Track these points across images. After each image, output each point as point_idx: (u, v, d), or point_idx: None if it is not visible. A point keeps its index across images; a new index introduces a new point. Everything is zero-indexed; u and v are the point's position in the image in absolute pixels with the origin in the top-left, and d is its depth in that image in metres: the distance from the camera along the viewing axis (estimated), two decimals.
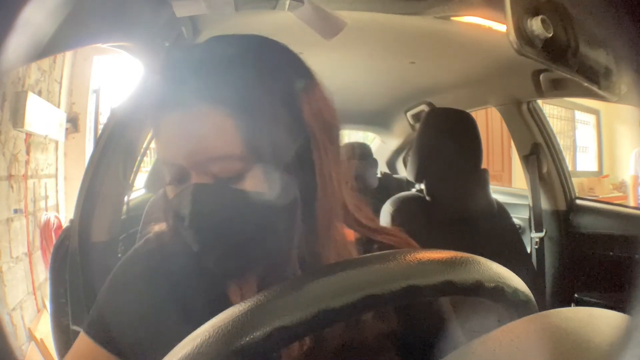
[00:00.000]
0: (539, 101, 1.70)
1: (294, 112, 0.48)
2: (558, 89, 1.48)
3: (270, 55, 0.50)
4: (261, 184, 0.46)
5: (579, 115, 5.89)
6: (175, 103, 0.46)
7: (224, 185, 0.46)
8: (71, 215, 1.20)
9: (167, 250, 0.55)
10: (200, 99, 0.45)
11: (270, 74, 0.48)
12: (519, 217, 1.85)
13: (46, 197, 2.61)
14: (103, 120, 3.06)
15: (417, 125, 1.56)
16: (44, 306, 2.36)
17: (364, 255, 0.34)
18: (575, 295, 1.53)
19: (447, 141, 1.36)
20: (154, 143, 0.51)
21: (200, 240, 0.46)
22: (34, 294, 2.36)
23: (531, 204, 1.69)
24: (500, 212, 1.44)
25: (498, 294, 0.33)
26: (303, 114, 0.49)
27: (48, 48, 0.67)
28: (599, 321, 0.30)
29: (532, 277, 1.49)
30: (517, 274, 0.36)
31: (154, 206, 0.98)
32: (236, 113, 0.45)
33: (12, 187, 2.21)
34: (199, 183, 0.46)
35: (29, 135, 2.34)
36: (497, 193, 1.66)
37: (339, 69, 1.75)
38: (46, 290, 2.24)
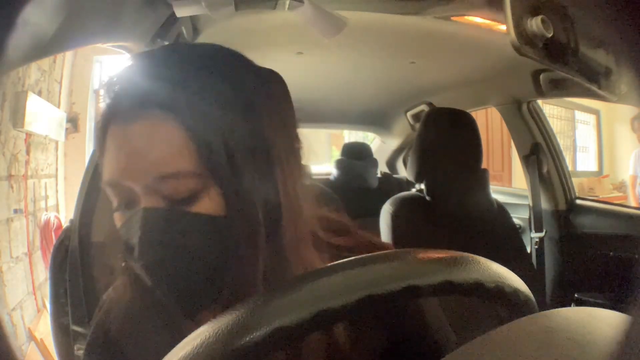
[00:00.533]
0: (539, 101, 1.70)
1: (254, 123, 0.42)
2: (558, 89, 1.48)
3: (227, 63, 0.45)
4: (218, 206, 0.41)
5: (579, 115, 5.89)
6: (119, 113, 0.40)
7: (177, 208, 0.40)
8: (71, 215, 1.20)
9: (127, 303, 0.47)
10: (148, 107, 0.39)
11: (227, 82, 0.42)
12: (519, 217, 1.85)
13: (46, 197, 2.61)
14: None
15: (417, 125, 1.56)
16: (44, 306, 2.36)
17: (364, 255, 0.34)
18: (575, 295, 1.53)
19: (447, 141, 1.36)
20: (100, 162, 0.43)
21: (152, 272, 0.40)
22: (34, 294, 2.36)
23: (531, 204, 1.69)
24: (500, 212, 1.44)
25: (498, 294, 0.33)
26: (263, 126, 0.43)
27: (48, 48, 0.67)
28: (599, 321, 0.30)
29: (532, 277, 1.48)
30: (517, 274, 0.36)
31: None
32: (188, 124, 0.39)
33: (12, 187, 2.21)
34: (149, 207, 0.40)
35: (29, 135, 2.34)
36: (497, 193, 1.66)
37: (339, 69, 1.74)
38: (46, 290, 2.24)
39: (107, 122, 0.41)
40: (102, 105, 0.43)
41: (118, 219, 0.43)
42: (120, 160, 0.40)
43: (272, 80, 0.48)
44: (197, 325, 0.37)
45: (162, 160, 0.39)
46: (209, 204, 0.40)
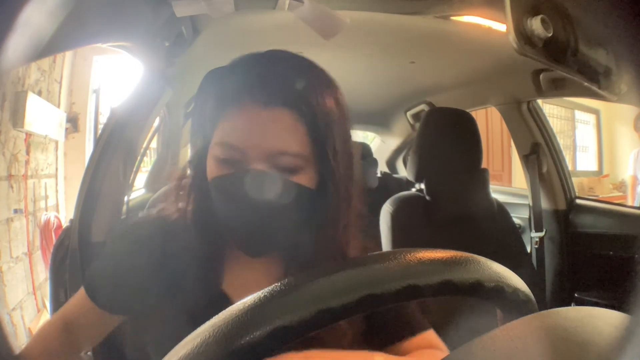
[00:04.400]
0: (539, 101, 1.70)
1: (342, 122, 0.56)
2: (558, 88, 1.48)
3: (317, 71, 0.58)
4: (311, 182, 0.54)
5: (579, 114, 5.89)
6: (257, 97, 0.52)
7: (284, 176, 0.53)
8: (71, 215, 1.20)
9: (168, 226, 0.59)
10: (281, 101, 0.52)
11: (326, 89, 0.56)
12: (519, 217, 1.85)
13: (46, 197, 2.61)
14: (103, 120, 3.06)
15: (417, 125, 1.56)
16: (44, 306, 2.36)
17: (364, 255, 0.34)
18: (575, 295, 1.53)
19: (447, 141, 1.36)
20: (219, 125, 0.55)
21: (247, 216, 0.53)
22: (34, 294, 2.36)
23: (531, 204, 1.68)
24: (500, 212, 1.44)
25: (498, 293, 0.33)
26: (346, 125, 0.57)
27: (48, 48, 0.67)
28: (599, 321, 0.30)
29: (532, 277, 1.49)
30: (517, 274, 0.36)
31: (162, 195, 1.01)
32: (306, 118, 0.52)
33: (12, 187, 2.21)
34: (261, 170, 0.52)
35: (29, 135, 2.34)
36: (497, 193, 1.66)
37: (339, 68, 1.74)
38: (46, 290, 2.24)
39: (243, 99, 0.53)
40: (233, 80, 0.55)
41: (217, 170, 0.54)
42: (247, 132, 0.52)
43: (338, 86, 0.60)
44: (260, 262, 0.57)
45: (281, 140, 0.52)
46: (305, 178, 0.54)
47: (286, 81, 0.53)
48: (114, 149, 1.15)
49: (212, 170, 0.54)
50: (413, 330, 0.62)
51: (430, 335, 0.64)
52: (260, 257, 0.57)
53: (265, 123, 0.52)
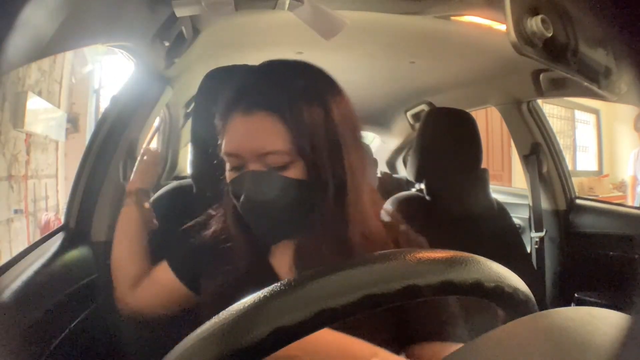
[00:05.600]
0: (539, 101, 1.70)
1: (327, 120, 0.62)
2: (558, 88, 1.48)
3: (310, 76, 0.65)
4: (302, 174, 0.61)
5: (578, 114, 5.88)
6: (241, 108, 0.61)
7: (273, 172, 0.60)
8: None
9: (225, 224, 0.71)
10: (260, 107, 0.60)
11: (311, 90, 0.63)
12: (519, 217, 1.85)
13: (46, 198, 2.61)
14: None
15: (417, 125, 1.56)
16: None
17: (364, 255, 0.34)
18: (575, 295, 1.53)
19: (447, 141, 1.36)
20: (222, 139, 0.64)
21: (252, 211, 0.62)
22: None
23: (531, 204, 1.68)
24: (500, 212, 1.44)
25: (498, 293, 0.33)
26: (334, 121, 0.62)
27: (48, 48, 0.67)
28: (599, 321, 0.30)
29: (532, 277, 1.48)
30: (517, 274, 0.36)
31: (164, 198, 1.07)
32: (286, 120, 0.59)
33: (12, 187, 2.21)
34: (255, 170, 0.61)
35: (29, 135, 2.34)
36: (497, 193, 1.66)
37: (339, 68, 1.74)
38: None
39: (230, 110, 0.62)
40: (227, 95, 0.63)
41: (230, 176, 0.64)
42: (240, 140, 0.61)
43: (337, 86, 0.67)
44: (276, 248, 0.70)
45: (267, 142, 0.60)
46: (295, 172, 0.61)
47: (267, 88, 0.62)
48: (113, 148, 1.15)
49: (227, 177, 0.64)
50: (442, 335, 0.61)
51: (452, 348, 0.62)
52: (275, 244, 0.68)
53: (250, 128, 0.60)
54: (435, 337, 0.61)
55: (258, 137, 0.60)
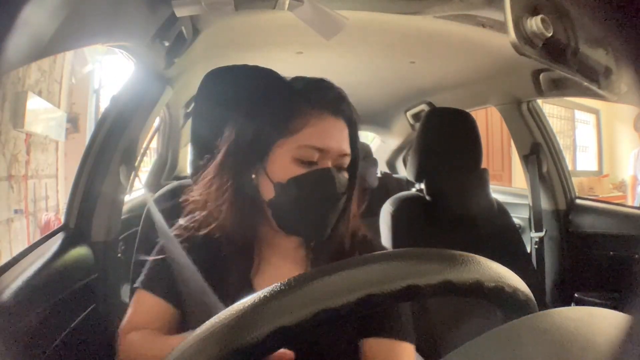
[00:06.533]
0: (539, 101, 1.70)
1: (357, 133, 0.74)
2: (558, 88, 1.48)
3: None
4: (346, 175, 0.71)
5: (578, 114, 5.88)
6: (332, 110, 0.69)
7: (343, 172, 0.70)
8: None
9: (200, 238, 0.70)
10: (344, 114, 0.70)
11: (354, 109, 0.74)
12: (519, 217, 1.85)
13: (46, 197, 2.61)
14: None
15: (417, 125, 1.56)
16: None
17: (364, 255, 0.34)
18: (575, 295, 1.53)
19: (447, 141, 1.36)
20: (301, 131, 0.68)
21: (315, 206, 0.67)
22: None
23: (531, 204, 1.68)
24: (500, 212, 1.44)
25: (498, 293, 0.33)
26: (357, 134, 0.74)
27: (48, 48, 0.67)
28: (599, 321, 0.30)
29: (532, 277, 1.48)
30: (517, 274, 0.36)
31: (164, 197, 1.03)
32: (349, 127, 0.71)
33: (12, 187, 2.21)
34: (330, 167, 0.68)
35: (29, 135, 2.34)
36: (497, 193, 1.66)
37: (339, 68, 1.74)
38: None
39: (325, 113, 0.69)
40: (326, 94, 0.71)
41: (294, 169, 0.67)
42: (330, 137, 0.68)
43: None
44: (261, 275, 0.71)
45: (345, 145, 0.70)
46: (346, 173, 0.71)
47: (343, 98, 0.71)
48: (113, 148, 1.15)
49: (289, 171, 0.67)
50: (392, 332, 0.67)
51: (406, 348, 0.68)
52: (318, 241, 0.72)
53: (336, 130, 0.69)
54: (386, 334, 0.67)
55: (342, 140, 0.69)
